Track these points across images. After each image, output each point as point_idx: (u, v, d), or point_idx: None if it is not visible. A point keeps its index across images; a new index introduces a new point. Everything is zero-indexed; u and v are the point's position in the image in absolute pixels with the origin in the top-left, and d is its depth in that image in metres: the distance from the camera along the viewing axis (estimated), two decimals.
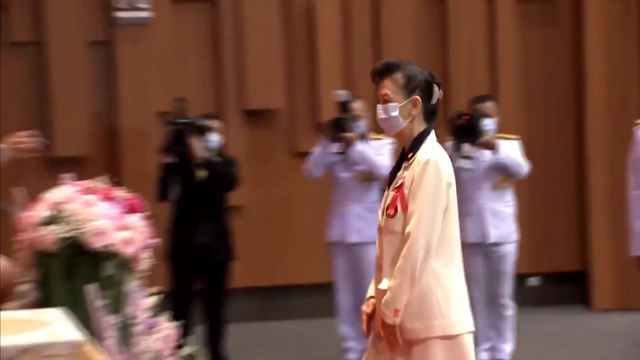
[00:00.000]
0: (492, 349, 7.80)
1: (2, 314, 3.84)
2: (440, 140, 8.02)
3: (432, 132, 4.52)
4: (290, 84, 10.02)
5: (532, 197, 9.57)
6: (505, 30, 10.21)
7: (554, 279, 10.05)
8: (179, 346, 4.37)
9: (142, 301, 4.33)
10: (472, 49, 10.18)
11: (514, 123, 9.67)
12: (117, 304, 4.07)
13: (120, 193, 4.29)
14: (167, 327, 4.36)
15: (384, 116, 4.48)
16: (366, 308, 4.60)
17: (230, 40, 9.89)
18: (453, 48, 10.17)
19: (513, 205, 7.84)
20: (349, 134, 7.61)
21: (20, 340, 3.24)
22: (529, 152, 7.98)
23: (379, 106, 4.48)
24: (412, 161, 4.39)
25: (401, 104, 4.40)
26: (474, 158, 7.66)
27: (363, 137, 7.82)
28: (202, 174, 7.47)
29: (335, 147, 7.73)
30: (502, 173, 7.71)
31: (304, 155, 8.34)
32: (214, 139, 7.72)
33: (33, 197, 4.33)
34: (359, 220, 7.80)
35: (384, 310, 4.33)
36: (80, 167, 4.85)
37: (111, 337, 2.75)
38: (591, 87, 10.11)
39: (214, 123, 7.88)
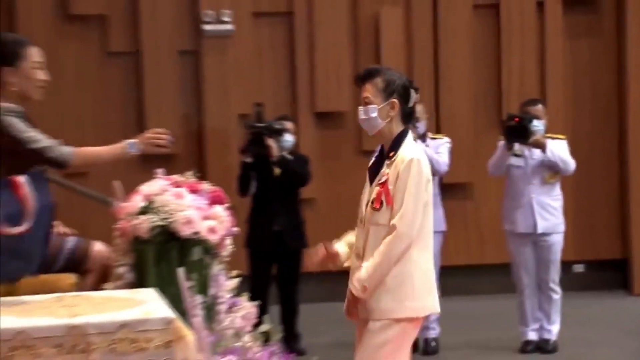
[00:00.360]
0: (540, 329, 7.75)
1: (102, 293, 3.92)
2: (493, 140, 8.13)
3: (409, 133, 4.51)
4: (357, 89, 10.03)
5: (578, 192, 9.51)
6: (553, 39, 10.13)
7: (597, 266, 9.96)
8: (257, 324, 4.35)
9: (225, 283, 4.31)
10: (523, 57, 10.09)
11: (561, 124, 9.60)
12: (203, 286, 4.06)
13: (205, 187, 4.29)
14: (247, 307, 4.35)
15: (364, 117, 4.50)
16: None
17: (303, 50, 9.88)
18: (505, 56, 10.10)
19: (560, 199, 7.78)
20: None
21: (118, 317, 3.26)
22: (575, 150, 7.90)
23: (360, 108, 4.50)
24: (395, 159, 4.37)
25: (380, 106, 4.41)
26: (524, 156, 7.68)
27: (423, 136, 7.81)
28: (277, 171, 7.50)
29: None
30: (550, 169, 7.67)
31: (368, 153, 8.33)
32: (288, 139, 7.73)
33: (129, 189, 4.36)
34: None
35: (354, 283, 4.34)
36: (170, 164, 4.90)
37: (198, 315, 2.77)
38: (633, 91, 10.01)
39: (288, 124, 7.89)
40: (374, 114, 4.44)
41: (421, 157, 4.38)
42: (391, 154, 4.43)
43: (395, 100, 4.41)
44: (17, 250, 4.13)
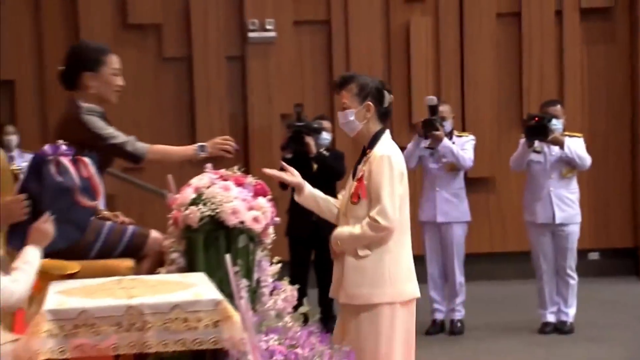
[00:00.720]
0: (558, 312, 7.74)
1: (157, 277, 3.95)
2: (515, 138, 8.11)
3: (387, 131, 4.48)
4: (390, 88, 10.06)
5: (593, 185, 9.45)
6: (571, 45, 10.08)
7: (611, 254, 9.90)
8: (297, 306, 4.32)
9: (267, 268, 4.30)
10: (543, 61, 10.05)
11: (578, 123, 9.56)
12: (247, 271, 4.05)
13: (250, 180, 4.26)
14: (287, 290, 4.30)
15: (343, 121, 4.50)
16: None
17: (339, 54, 9.90)
18: (526, 60, 10.06)
19: (577, 192, 7.73)
20: (437, 132, 7.61)
21: (171, 298, 3.28)
22: (591, 147, 7.84)
23: (339, 113, 4.49)
24: (369, 156, 4.37)
25: (356, 110, 4.39)
26: (543, 153, 7.65)
27: (450, 134, 7.81)
28: (315, 166, 7.46)
29: (426, 143, 7.73)
30: (568, 165, 7.63)
31: (400, 150, 8.36)
32: (325, 137, 7.74)
33: (181, 183, 4.35)
34: (446, 204, 7.80)
35: (334, 235, 4.47)
36: (217, 159, 4.93)
37: (243, 297, 2.78)
38: None
39: (325, 124, 7.88)
40: (352, 117, 4.43)
41: (392, 153, 4.36)
42: (368, 151, 4.43)
43: (369, 102, 4.40)
44: (76, 220, 4.14)
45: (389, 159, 4.32)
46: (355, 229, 4.31)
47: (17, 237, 3.83)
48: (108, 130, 4.44)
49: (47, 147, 4.03)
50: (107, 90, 4.50)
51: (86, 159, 4.13)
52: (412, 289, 4.40)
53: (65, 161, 4.06)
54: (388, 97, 4.47)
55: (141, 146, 4.50)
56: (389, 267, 4.31)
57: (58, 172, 4.00)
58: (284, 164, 4.60)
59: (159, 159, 4.62)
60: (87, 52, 4.57)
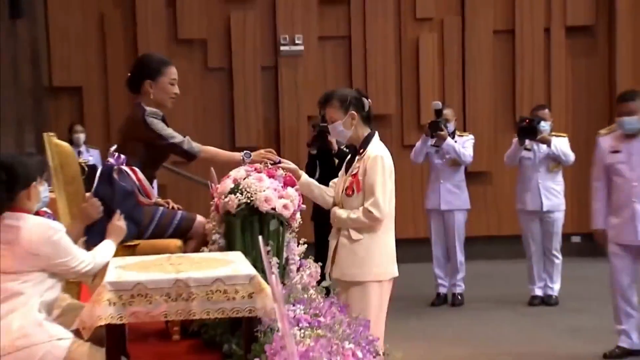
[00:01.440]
0: (545, 287, 7.73)
1: (201, 255, 3.93)
2: (509, 137, 8.05)
3: (376, 133, 4.48)
4: (400, 96, 10.04)
5: (576, 178, 9.37)
6: (558, 58, 10.05)
7: (591, 238, 9.64)
8: (319, 281, 4.26)
9: (295, 248, 4.28)
10: (533, 71, 10.03)
11: (563, 125, 9.55)
12: (278, 250, 4.04)
13: (280, 172, 4.24)
14: (312, 267, 4.26)
15: (334, 132, 4.52)
16: None
17: (358, 65, 9.92)
18: (519, 70, 10.04)
19: (562, 184, 7.73)
20: (442, 133, 7.58)
21: (213, 273, 3.27)
22: (574, 146, 7.80)
23: (330, 126, 4.48)
24: (364, 155, 4.35)
25: (342, 121, 4.36)
26: (533, 150, 7.62)
27: (452, 134, 7.78)
28: (336, 161, 7.34)
29: (432, 142, 7.71)
30: (554, 161, 7.62)
31: (409, 147, 8.31)
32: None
33: (221, 175, 4.32)
34: (449, 194, 7.78)
35: (332, 214, 4.52)
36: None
37: (274, 273, 2.80)
38: None
39: None
40: (340, 128, 4.41)
41: (384, 154, 4.35)
42: (361, 151, 4.41)
43: (352, 111, 4.37)
44: (136, 219, 4.20)
45: (382, 159, 4.31)
46: (353, 213, 4.32)
47: (94, 234, 3.93)
48: (168, 131, 4.44)
49: (111, 159, 4.08)
50: (164, 97, 4.49)
51: (135, 168, 4.17)
52: (394, 269, 4.40)
53: (126, 169, 4.10)
54: (367, 103, 4.42)
55: (195, 146, 4.50)
56: (378, 251, 4.32)
57: (120, 179, 4.06)
58: (281, 160, 4.54)
59: (209, 158, 4.59)
60: (150, 62, 4.56)
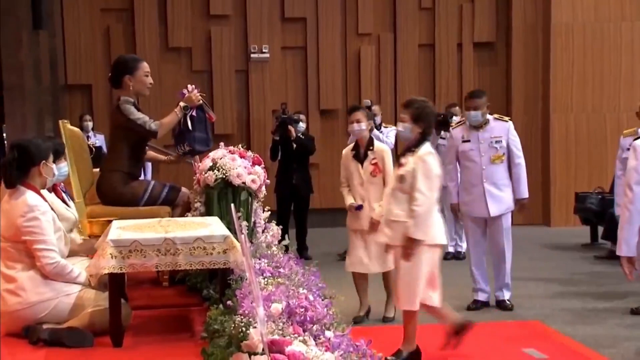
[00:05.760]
0: (455, 245, 7.73)
1: (185, 219, 3.90)
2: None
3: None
4: (345, 95, 9.99)
5: None
6: (467, 67, 10.09)
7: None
8: (280, 240, 4.31)
9: (261, 214, 4.30)
10: (448, 77, 10.06)
11: None
12: (247, 216, 4.05)
13: (249, 154, 4.22)
14: (274, 229, 4.30)
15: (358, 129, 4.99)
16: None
17: (312, 70, 9.83)
18: (437, 76, 10.06)
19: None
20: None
21: (195, 233, 3.28)
22: None
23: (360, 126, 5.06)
24: (374, 149, 4.91)
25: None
26: (446, 138, 7.65)
27: (378, 126, 7.69)
28: (294, 145, 7.43)
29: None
30: None
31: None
32: (302, 125, 7.68)
33: (202, 156, 4.35)
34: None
35: (376, 210, 4.68)
36: (228, 140, 4.89)
37: (243, 233, 2.79)
38: (515, 101, 9.97)
39: (302, 117, 7.84)
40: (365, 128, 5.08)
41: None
42: (371, 147, 4.94)
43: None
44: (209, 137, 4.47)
45: (388, 152, 5.18)
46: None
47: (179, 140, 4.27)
48: (136, 114, 4.30)
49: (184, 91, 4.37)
50: (142, 87, 4.39)
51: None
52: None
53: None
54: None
55: (154, 124, 4.31)
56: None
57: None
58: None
59: (166, 129, 4.33)
60: (126, 61, 4.47)
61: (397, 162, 4.20)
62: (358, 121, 5.02)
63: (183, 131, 4.29)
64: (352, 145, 5.27)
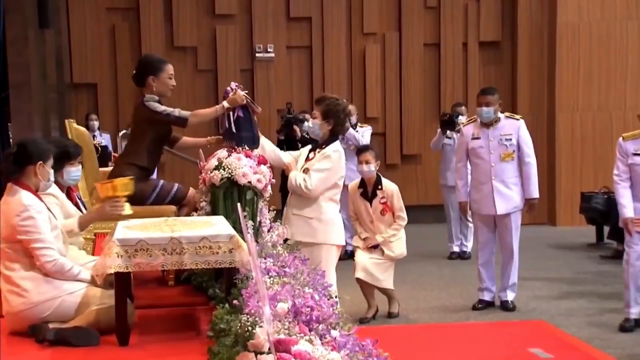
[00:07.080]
0: (460, 245, 7.78)
1: (191, 218, 3.88)
2: (435, 127, 8.07)
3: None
4: (351, 94, 9.99)
5: None
6: (473, 66, 10.10)
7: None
8: (285, 240, 4.25)
9: (266, 214, 4.24)
10: (454, 76, 10.07)
11: None
12: (253, 215, 4.02)
13: (255, 153, 4.20)
14: (279, 229, 4.19)
15: (368, 171, 5.19)
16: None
17: (317, 69, 9.86)
18: (443, 75, 10.08)
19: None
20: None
21: (201, 232, 3.25)
22: None
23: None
24: (382, 188, 5.06)
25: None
26: (452, 137, 7.63)
27: (355, 125, 7.64)
28: (299, 144, 7.41)
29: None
30: None
31: None
32: (306, 124, 7.67)
33: (208, 155, 4.35)
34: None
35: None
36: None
37: (249, 233, 2.77)
38: (521, 98, 9.95)
39: (307, 116, 7.72)
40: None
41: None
42: (380, 186, 5.23)
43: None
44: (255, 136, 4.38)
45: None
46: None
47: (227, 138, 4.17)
48: (162, 107, 4.34)
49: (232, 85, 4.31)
50: (165, 89, 4.40)
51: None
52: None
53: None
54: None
55: (185, 113, 4.37)
56: None
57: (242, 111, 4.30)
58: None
59: (199, 120, 4.43)
60: (152, 61, 4.46)
61: (307, 157, 4.36)
62: (367, 162, 5.20)
63: (230, 131, 4.28)
64: (358, 181, 5.44)
